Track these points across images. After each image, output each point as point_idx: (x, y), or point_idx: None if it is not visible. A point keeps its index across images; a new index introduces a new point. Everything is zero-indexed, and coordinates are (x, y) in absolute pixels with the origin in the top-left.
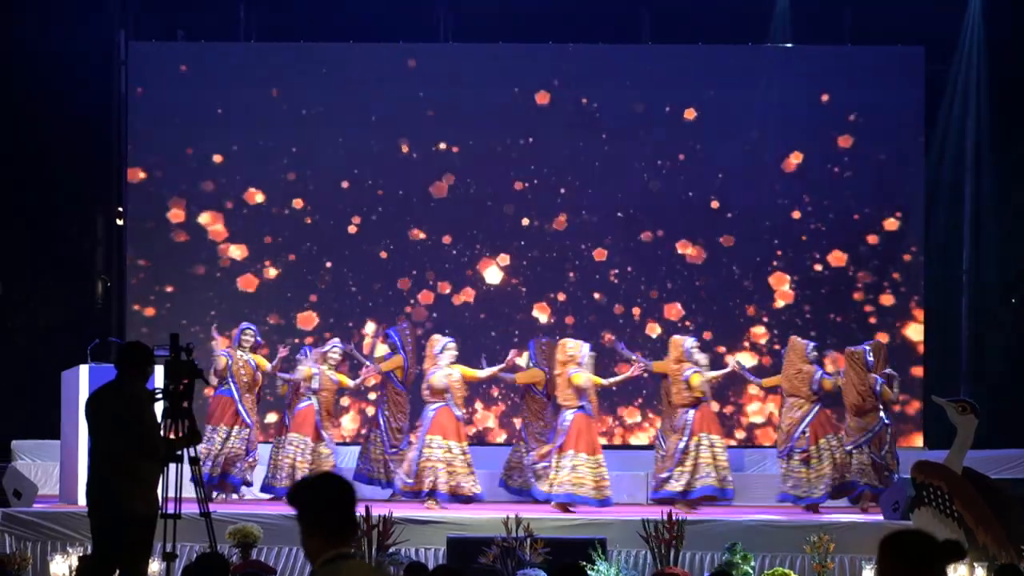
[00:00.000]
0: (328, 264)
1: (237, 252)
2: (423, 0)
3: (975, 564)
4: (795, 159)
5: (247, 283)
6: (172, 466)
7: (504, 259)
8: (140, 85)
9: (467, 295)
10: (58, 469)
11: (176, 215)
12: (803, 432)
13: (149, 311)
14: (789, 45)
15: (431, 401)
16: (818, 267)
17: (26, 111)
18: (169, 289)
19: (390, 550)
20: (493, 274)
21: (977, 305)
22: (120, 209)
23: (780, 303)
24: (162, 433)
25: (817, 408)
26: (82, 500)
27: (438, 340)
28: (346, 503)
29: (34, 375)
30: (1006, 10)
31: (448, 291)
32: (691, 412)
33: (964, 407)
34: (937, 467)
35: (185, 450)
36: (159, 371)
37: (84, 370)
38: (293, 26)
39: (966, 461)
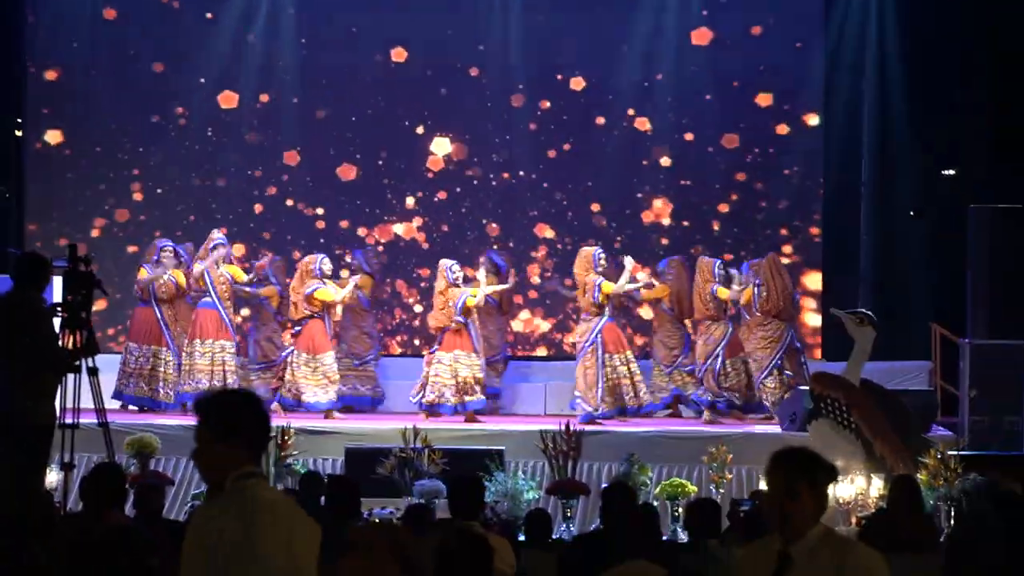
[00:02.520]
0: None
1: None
2: None
3: (872, 475)
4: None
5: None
6: (70, 376)
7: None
8: None
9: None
10: None
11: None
12: None
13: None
14: None
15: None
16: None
17: None
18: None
19: (287, 461)
20: None
21: (876, 217)
22: (19, 120)
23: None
24: (60, 343)
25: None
26: None
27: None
28: (267, 417)
29: None
30: None
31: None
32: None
33: (861, 319)
34: (835, 379)
35: (83, 360)
36: (57, 282)
37: None
38: None
39: (864, 373)
